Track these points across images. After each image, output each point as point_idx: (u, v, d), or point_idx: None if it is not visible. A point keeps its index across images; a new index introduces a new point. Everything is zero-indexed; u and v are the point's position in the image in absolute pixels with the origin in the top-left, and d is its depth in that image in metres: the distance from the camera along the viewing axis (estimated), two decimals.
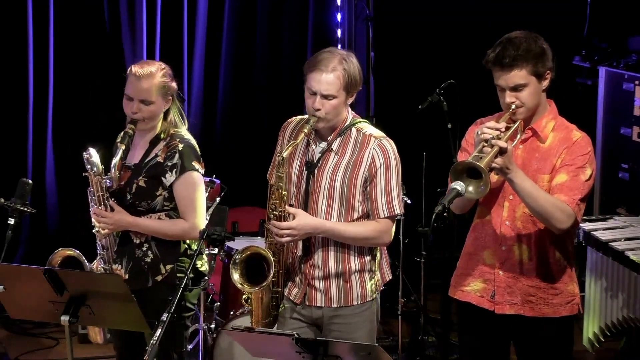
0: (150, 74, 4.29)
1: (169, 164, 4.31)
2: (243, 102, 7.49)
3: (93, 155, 4.33)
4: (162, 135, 4.38)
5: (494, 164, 3.63)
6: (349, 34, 7.51)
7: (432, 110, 5.82)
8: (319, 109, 3.89)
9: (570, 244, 3.93)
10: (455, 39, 7.23)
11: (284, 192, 3.92)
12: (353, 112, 4.05)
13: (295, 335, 3.47)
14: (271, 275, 3.91)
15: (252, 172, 6.39)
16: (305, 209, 3.95)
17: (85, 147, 4.36)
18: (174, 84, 4.38)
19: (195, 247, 4.39)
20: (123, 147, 4.29)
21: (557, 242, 3.86)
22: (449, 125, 5.79)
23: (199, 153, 4.39)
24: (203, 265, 4.53)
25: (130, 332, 4.31)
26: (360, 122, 4.03)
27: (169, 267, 4.35)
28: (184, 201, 4.33)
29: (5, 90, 6.87)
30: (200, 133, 7.08)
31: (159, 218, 4.35)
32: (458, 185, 3.56)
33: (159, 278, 4.34)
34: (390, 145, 3.98)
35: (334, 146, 3.98)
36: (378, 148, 3.95)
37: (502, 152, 3.63)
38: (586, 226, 5.10)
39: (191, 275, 4.11)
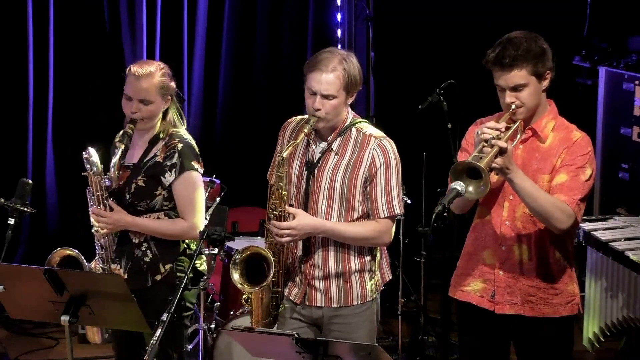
0: (150, 74, 4.29)
1: (168, 163, 4.31)
2: (243, 102, 7.49)
3: (92, 154, 4.33)
4: (161, 135, 4.38)
5: (494, 164, 3.63)
6: (349, 34, 7.51)
7: (432, 110, 5.82)
8: (319, 109, 3.89)
9: (570, 244, 3.93)
10: (455, 39, 7.23)
11: (284, 192, 3.92)
12: (353, 112, 4.05)
13: (295, 335, 3.47)
14: (271, 275, 3.91)
15: (252, 172, 6.39)
16: (305, 209, 3.95)
17: (85, 147, 4.36)
18: (173, 84, 4.38)
19: (194, 247, 4.39)
20: (122, 146, 4.29)
21: (557, 242, 3.86)
22: (449, 125, 5.79)
23: (198, 153, 4.39)
24: (202, 264, 4.53)
25: (129, 332, 4.31)
26: (360, 122, 4.03)
27: (168, 266, 4.35)
28: (183, 201, 4.33)
29: (5, 90, 6.87)
30: (200, 133, 7.08)
31: (158, 218, 4.35)
32: (458, 185, 3.56)
33: (158, 277, 4.34)
34: (390, 145, 3.98)
35: (334, 146, 3.98)
36: (378, 148, 3.95)
37: (502, 152, 3.63)
38: (586, 226, 5.10)
39: (190, 274, 4.10)
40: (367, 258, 4.02)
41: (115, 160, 4.30)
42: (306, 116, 4.00)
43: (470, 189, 3.59)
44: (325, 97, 3.88)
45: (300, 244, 4.00)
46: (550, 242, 3.86)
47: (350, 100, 3.97)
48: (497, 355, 4.02)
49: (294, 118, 4.15)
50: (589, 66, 6.83)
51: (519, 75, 3.74)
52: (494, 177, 3.77)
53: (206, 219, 4.59)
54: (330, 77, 3.87)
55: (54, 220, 7.06)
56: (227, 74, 7.40)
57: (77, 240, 4.88)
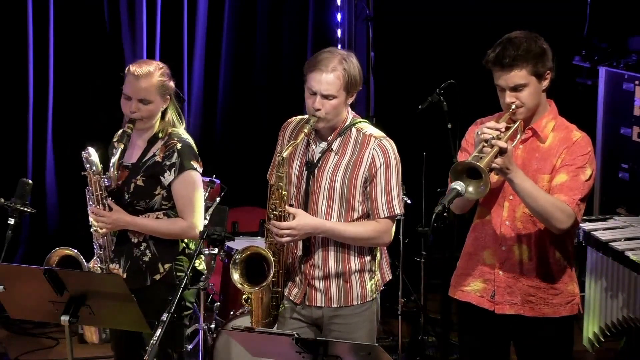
0: (149, 74, 4.29)
1: (168, 163, 4.31)
2: (243, 102, 7.49)
3: (92, 154, 4.33)
4: (160, 135, 4.38)
5: (494, 164, 3.63)
6: (349, 34, 7.52)
7: (432, 110, 5.82)
8: (319, 109, 3.89)
9: (570, 244, 3.93)
10: (455, 39, 7.23)
11: (284, 192, 3.92)
12: (353, 112, 4.05)
13: (295, 335, 3.47)
14: (271, 275, 3.91)
15: (252, 172, 6.39)
16: (305, 209, 3.95)
17: (85, 147, 4.36)
18: (171, 84, 4.39)
19: (193, 246, 4.39)
20: (122, 146, 4.29)
21: (557, 242, 3.86)
22: (449, 125, 5.79)
23: (197, 152, 4.39)
24: (201, 264, 4.53)
25: (129, 332, 4.31)
26: (360, 122, 4.03)
27: (167, 266, 4.35)
28: (182, 200, 4.33)
29: (5, 90, 6.87)
30: (200, 133, 7.10)
31: (157, 217, 4.35)
32: (458, 185, 3.56)
33: (157, 277, 4.34)
34: (390, 145, 3.98)
35: (334, 146, 3.98)
36: (378, 148, 3.95)
37: (502, 152, 3.63)
38: (586, 226, 5.10)
39: (190, 274, 4.10)
40: (367, 258, 4.02)
41: (114, 159, 4.30)
42: (306, 116, 4.00)
43: (470, 189, 3.59)
44: (325, 97, 3.88)
45: (300, 244, 4.00)
46: (550, 242, 3.86)
47: (350, 100, 3.97)
48: (497, 355, 4.01)
49: (294, 118, 4.15)
50: (589, 66, 6.83)
51: (519, 75, 3.74)
52: (494, 177, 3.77)
53: (206, 219, 4.60)
54: (330, 77, 3.87)
55: (54, 220, 7.06)
56: (227, 74, 7.40)
57: (77, 240, 4.87)
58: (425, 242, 6.09)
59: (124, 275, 4.31)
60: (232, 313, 5.40)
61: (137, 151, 4.40)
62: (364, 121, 4.05)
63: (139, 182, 4.33)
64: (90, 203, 4.35)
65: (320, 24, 7.49)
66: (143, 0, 6.93)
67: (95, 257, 4.41)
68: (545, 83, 3.81)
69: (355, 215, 3.98)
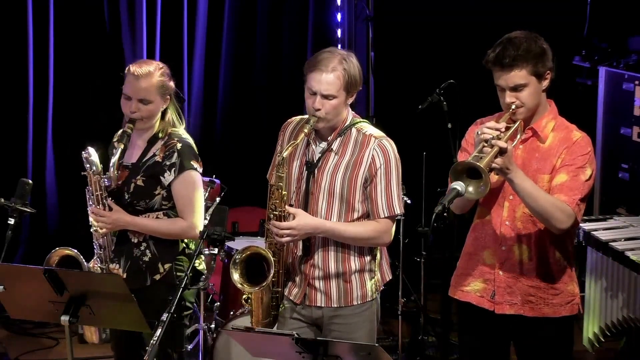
0: (149, 74, 4.29)
1: (168, 163, 4.31)
2: (243, 102, 7.49)
3: (92, 154, 4.33)
4: (160, 135, 4.38)
5: (494, 164, 3.63)
6: (349, 34, 7.52)
7: (432, 110, 5.82)
8: (319, 109, 3.89)
9: (570, 244, 3.93)
10: (455, 39, 7.23)
11: (284, 192, 3.92)
12: (353, 112, 4.05)
13: (295, 335, 3.47)
14: (271, 275, 3.91)
15: (252, 172, 6.39)
16: (305, 209, 3.95)
17: (85, 147, 4.36)
18: (171, 83, 4.39)
19: (193, 246, 4.39)
20: (122, 146, 4.29)
21: (557, 242, 3.86)
22: (449, 125, 5.79)
23: (197, 152, 4.39)
24: (200, 264, 4.53)
25: (129, 332, 4.31)
26: (360, 122, 4.03)
27: (167, 266, 4.35)
28: (182, 200, 4.33)
29: (5, 90, 6.87)
30: (200, 133, 7.10)
31: (157, 217, 4.35)
32: (458, 185, 3.56)
33: (157, 277, 4.34)
34: (390, 145, 3.98)
35: (334, 146, 3.98)
36: (378, 148, 3.95)
37: (502, 152, 3.63)
38: (586, 226, 5.10)
39: (190, 274, 4.11)
40: (367, 258, 4.02)
41: (114, 159, 4.30)
42: (306, 116, 4.00)
43: (470, 189, 3.59)
44: (325, 97, 3.88)
45: (300, 244, 4.00)
46: (550, 242, 3.86)
47: (350, 100, 3.97)
48: (497, 355, 4.01)
49: (294, 118, 4.15)
50: (589, 66, 6.83)
51: (519, 75, 3.74)
52: (494, 177, 3.77)
53: (206, 219, 4.60)
54: (330, 77, 3.86)
55: (54, 220, 7.06)
56: (227, 74, 7.40)
57: (77, 240, 4.87)
58: (425, 242, 6.09)
59: (124, 275, 4.31)
60: (232, 313, 5.40)
61: (137, 151, 4.40)
62: (364, 121, 4.05)
63: (139, 182, 4.33)
64: (90, 203, 4.35)
65: (320, 24, 7.49)
66: (143, 0, 6.93)
67: (95, 257, 4.41)
68: (545, 83, 3.81)
69: (355, 215, 3.98)
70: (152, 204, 4.33)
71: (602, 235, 4.98)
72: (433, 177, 5.78)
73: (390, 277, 4.17)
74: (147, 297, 4.18)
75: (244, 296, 4.04)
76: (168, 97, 4.36)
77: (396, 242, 5.79)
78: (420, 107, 5.82)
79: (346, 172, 3.95)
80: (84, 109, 7.01)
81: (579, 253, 4.98)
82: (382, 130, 4.04)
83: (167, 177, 4.31)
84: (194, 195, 4.34)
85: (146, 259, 4.35)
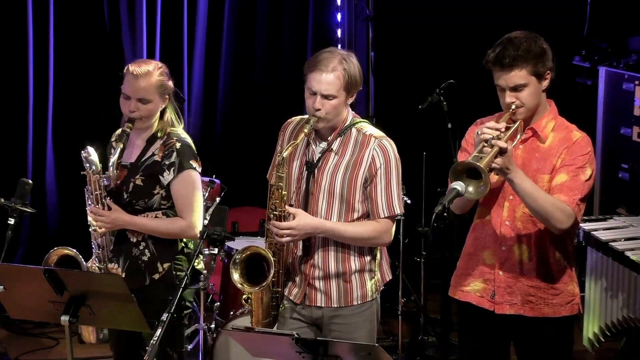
0: (148, 73, 4.29)
1: (167, 162, 4.31)
2: (243, 102, 7.49)
3: (91, 153, 4.33)
4: (158, 134, 4.38)
5: (494, 164, 3.63)
6: (349, 34, 7.52)
7: (432, 110, 5.82)
8: (319, 109, 3.89)
9: (570, 244, 3.93)
10: (455, 39, 7.23)
11: (284, 192, 3.92)
12: (353, 112, 4.05)
13: (295, 335, 3.47)
14: (271, 275, 3.91)
15: (252, 172, 6.39)
16: (305, 209, 3.95)
17: (84, 146, 4.37)
18: (170, 83, 4.39)
19: (192, 246, 4.40)
20: (121, 145, 4.29)
21: (557, 242, 3.86)
22: (449, 125, 5.79)
23: (196, 152, 4.39)
24: (199, 263, 4.53)
25: (128, 332, 4.30)
26: (360, 122, 4.03)
27: (166, 265, 4.35)
28: (181, 200, 4.33)
29: (5, 90, 6.87)
30: (200, 133, 7.10)
31: (156, 217, 4.35)
32: (458, 185, 3.56)
33: (156, 276, 4.34)
34: (390, 145, 3.98)
35: (334, 146, 3.98)
36: (378, 148, 3.95)
37: (502, 152, 3.63)
38: (586, 226, 5.10)
39: (190, 274, 4.11)
40: (367, 258, 4.02)
41: (113, 159, 4.30)
42: (306, 116, 4.00)
43: (470, 189, 3.59)
44: (325, 97, 3.88)
45: (300, 244, 4.00)
46: (550, 242, 3.86)
47: (351, 100, 3.97)
48: (497, 355, 4.01)
49: (294, 118, 4.15)
50: (589, 66, 6.83)
51: (519, 75, 3.74)
52: (494, 177, 3.77)
53: (206, 219, 4.60)
54: (330, 77, 3.86)
55: (54, 220, 7.06)
56: (227, 74, 7.40)
57: (77, 240, 4.87)
58: (425, 242, 6.09)
59: (123, 275, 4.31)
60: (232, 313, 5.40)
61: (136, 151, 4.40)
62: (364, 121, 4.05)
63: (138, 182, 4.33)
64: (90, 202, 4.35)
65: (320, 24, 7.49)
66: (143, 0, 6.93)
67: (93, 257, 4.41)
68: (545, 83, 3.81)
69: (355, 215, 3.98)
70: (151, 203, 4.33)
71: (602, 235, 4.98)
72: (433, 177, 5.77)
73: (390, 277, 4.17)
74: (146, 296, 4.18)
75: (244, 296, 4.04)
76: (167, 96, 4.36)
77: (396, 242, 5.78)
78: (420, 107, 5.82)
79: (346, 172, 3.95)
80: (84, 109, 7.01)
81: (579, 253, 4.98)
82: (382, 130, 4.04)
83: (166, 177, 4.31)
84: (193, 195, 4.34)
85: (145, 258, 4.34)
